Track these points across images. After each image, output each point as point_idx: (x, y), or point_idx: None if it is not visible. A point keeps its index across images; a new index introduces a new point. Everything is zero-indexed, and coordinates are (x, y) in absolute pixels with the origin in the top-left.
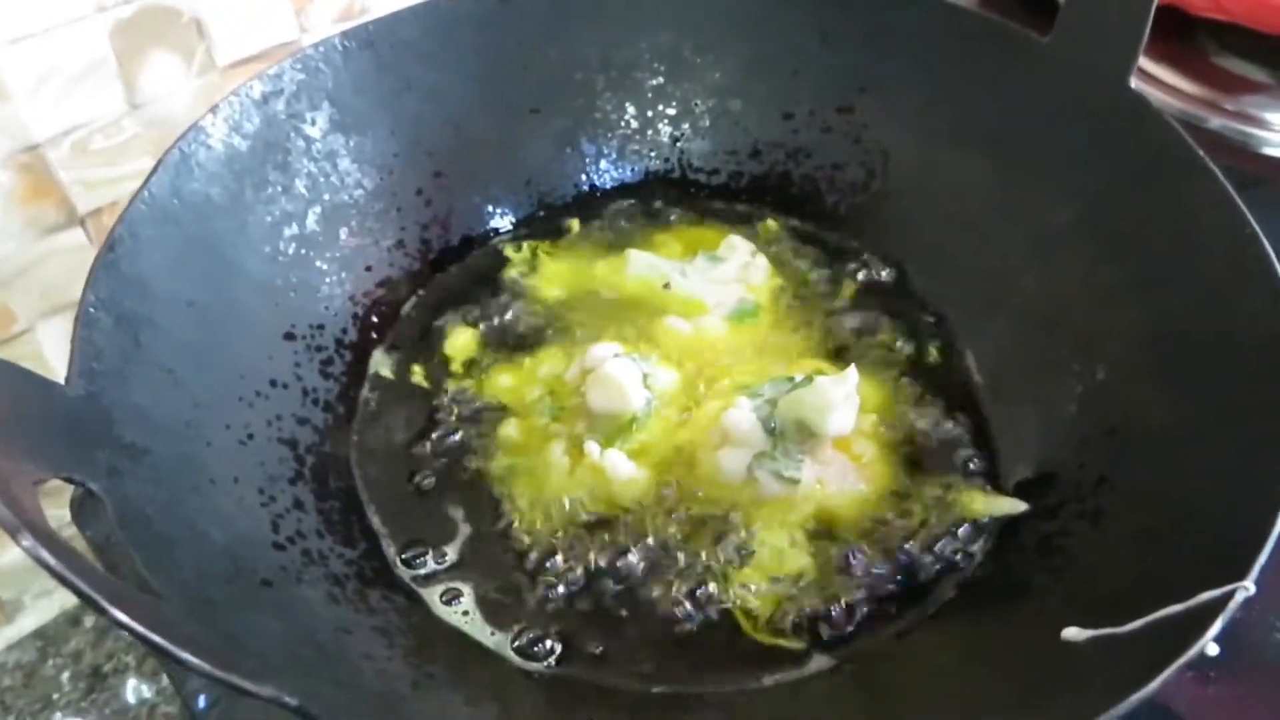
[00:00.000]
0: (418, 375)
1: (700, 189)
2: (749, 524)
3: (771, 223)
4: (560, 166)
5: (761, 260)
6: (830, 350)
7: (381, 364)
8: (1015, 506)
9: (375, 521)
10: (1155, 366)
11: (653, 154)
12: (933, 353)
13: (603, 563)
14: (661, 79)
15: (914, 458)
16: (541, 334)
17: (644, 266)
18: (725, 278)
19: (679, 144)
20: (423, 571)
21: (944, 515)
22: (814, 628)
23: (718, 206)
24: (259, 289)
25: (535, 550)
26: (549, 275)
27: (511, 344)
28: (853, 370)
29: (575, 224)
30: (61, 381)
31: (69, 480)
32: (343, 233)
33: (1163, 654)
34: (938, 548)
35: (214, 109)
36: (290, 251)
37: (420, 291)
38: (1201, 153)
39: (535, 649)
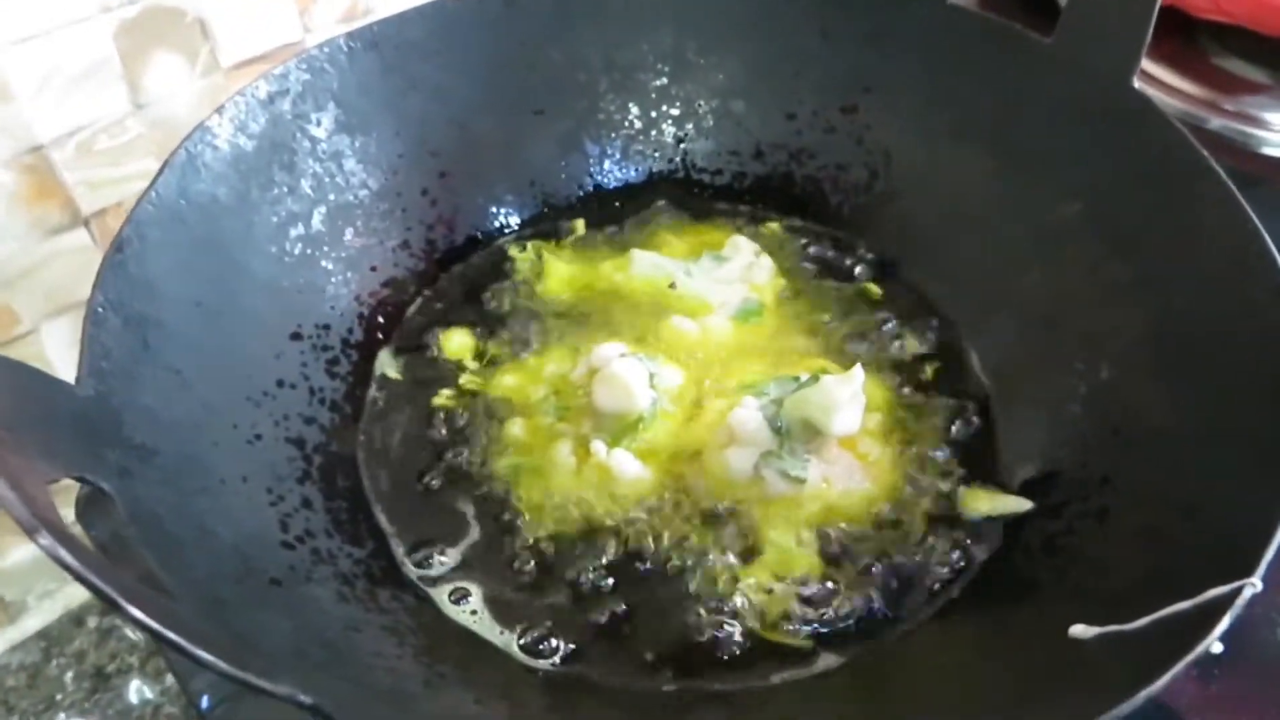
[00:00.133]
0: (423, 375)
1: (704, 189)
2: (755, 523)
3: (775, 223)
4: (564, 167)
5: (765, 260)
6: (835, 349)
7: (387, 364)
8: (1020, 505)
9: (383, 520)
10: (1159, 365)
11: (656, 154)
12: (937, 352)
13: (610, 562)
14: (665, 80)
15: (919, 457)
16: (547, 334)
17: (649, 266)
18: (730, 277)
19: (682, 145)
20: (431, 571)
21: (949, 514)
22: (820, 626)
23: (721, 207)
24: (265, 289)
25: (542, 549)
26: (554, 275)
27: (517, 344)
28: (858, 369)
29: (580, 224)
30: (70, 382)
31: (81, 480)
32: (348, 233)
33: (1170, 651)
34: (943, 547)
35: (220, 109)
36: (296, 252)
37: (426, 292)
38: (1205, 153)
39: (543, 647)
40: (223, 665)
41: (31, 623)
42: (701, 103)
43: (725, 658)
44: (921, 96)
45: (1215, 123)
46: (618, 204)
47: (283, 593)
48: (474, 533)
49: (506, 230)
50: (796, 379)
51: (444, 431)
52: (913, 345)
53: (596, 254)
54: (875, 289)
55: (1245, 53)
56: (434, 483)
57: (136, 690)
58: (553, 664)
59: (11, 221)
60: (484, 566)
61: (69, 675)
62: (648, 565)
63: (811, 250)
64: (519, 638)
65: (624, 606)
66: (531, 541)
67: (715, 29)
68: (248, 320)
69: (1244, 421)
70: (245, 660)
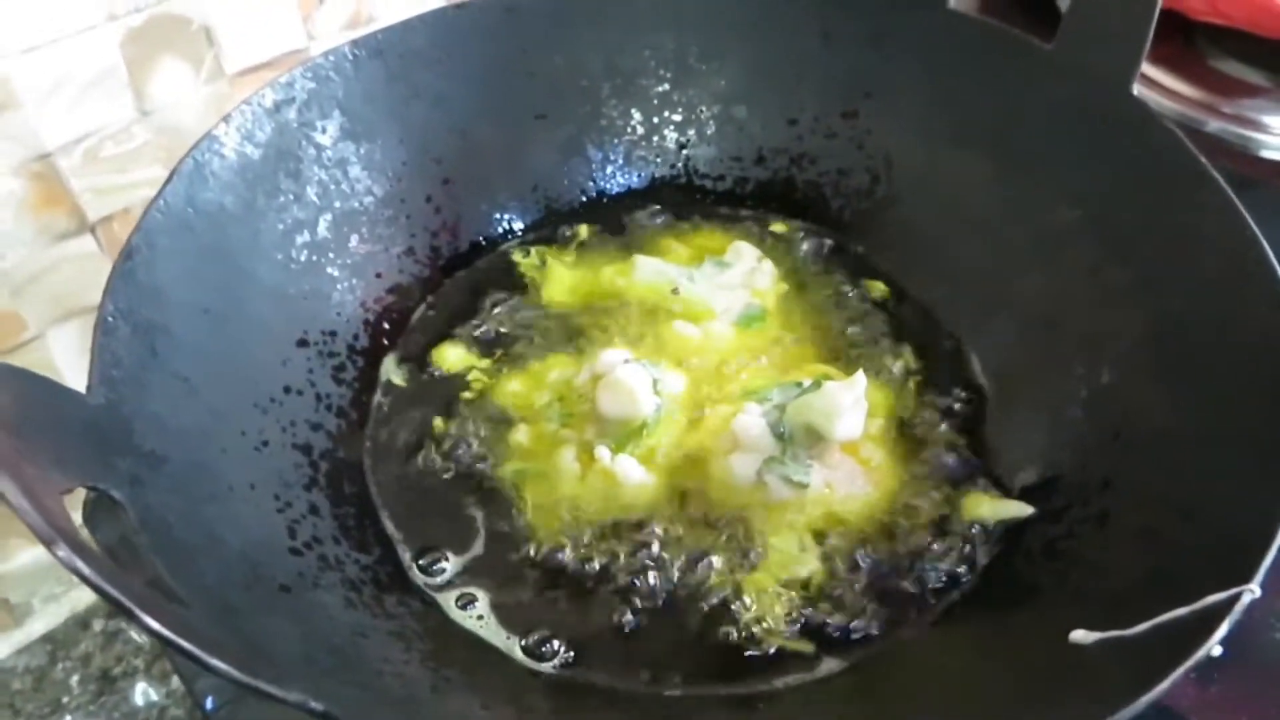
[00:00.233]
0: (428, 381)
1: (706, 195)
2: (759, 528)
3: (777, 228)
4: (567, 173)
5: (768, 265)
6: (837, 355)
7: (393, 370)
8: (1022, 510)
9: (389, 526)
10: (1159, 368)
11: (659, 160)
12: (938, 357)
13: (614, 567)
14: (666, 86)
15: (921, 462)
16: (551, 340)
17: (652, 272)
18: (732, 283)
19: (685, 150)
20: (437, 578)
21: (951, 519)
22: (824, 631)
23: (724, 212)
24: (272, 296)
25: (548, 555)
26: (557, 281)
27: (521, 350)
28: (860, 375)
29: (583, 230)
30: (81, 390)
31: (93, 489)
32: (353, 240)
33: (1170, 656)
34: (945, 551)
35: (226, 118)
36: (302, 259)
37: (430, 298)
38: (1204, 159)
39: (546, 651)
40: (235, 673)
41: (37, 626)
42: (703, 108)
43: (728, 662)
44: (922, 101)
45: (1213, 125)
46: (620, 209)
47: (291, 599)
48: (480, 538)
49: (510, 236)
50: (799, 385)
51: (449, 438)
52: (914, 350)
53: (599, 259)
54: (877, 293)
55: (1243, 55)
56: (439, 488)
57: (142, 692)
58: (558, 669)
59: (19, 228)
60: (490, 572)
61: (74, 678)
62: (652, 570)
63: (813, 255)
64: (524, 642)
65: (629, 611)
66: (537, 547)
67: (717, 35)
68: (254, 327)
69: (1244, 424)
70: (257, 668)
